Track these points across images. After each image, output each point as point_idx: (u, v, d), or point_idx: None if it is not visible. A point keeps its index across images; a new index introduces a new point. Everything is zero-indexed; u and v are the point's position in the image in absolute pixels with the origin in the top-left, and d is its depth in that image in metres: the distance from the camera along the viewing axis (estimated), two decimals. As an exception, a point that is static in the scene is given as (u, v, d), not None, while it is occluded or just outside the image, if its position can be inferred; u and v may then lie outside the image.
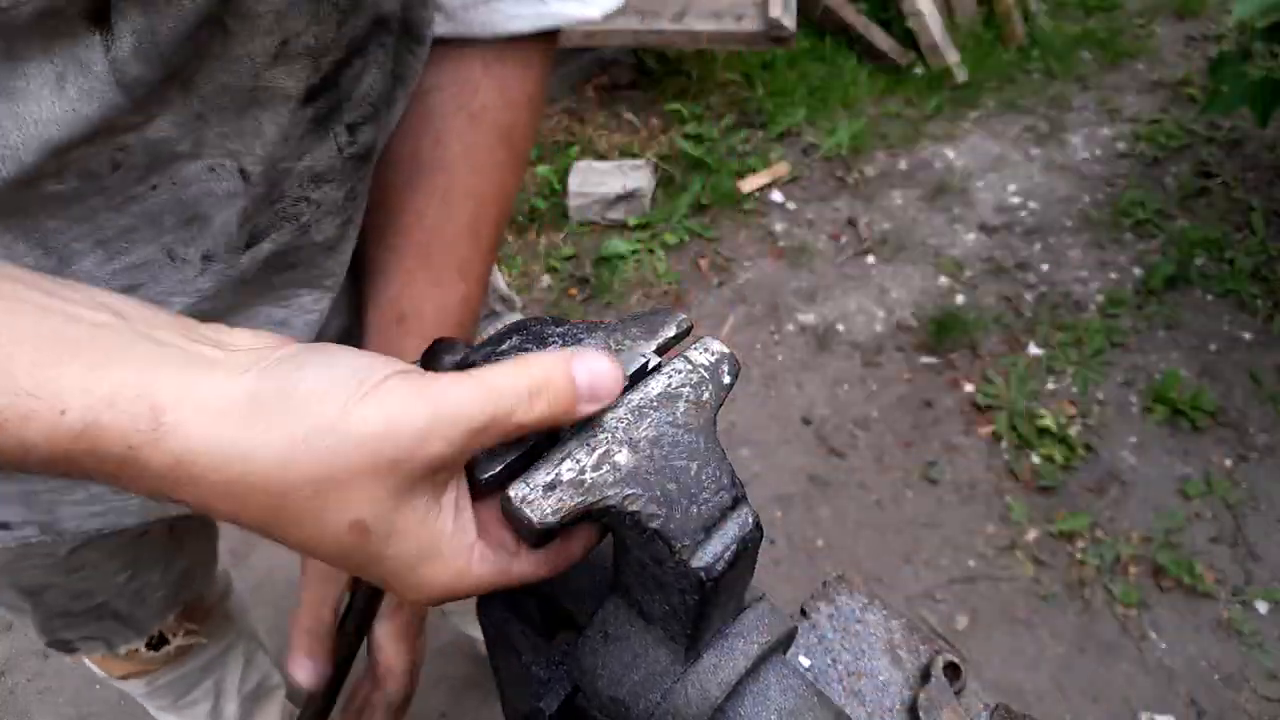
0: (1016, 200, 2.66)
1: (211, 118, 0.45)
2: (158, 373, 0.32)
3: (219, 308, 0.53)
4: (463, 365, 0.41)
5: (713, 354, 0.41)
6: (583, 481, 0.36)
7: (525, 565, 0.39)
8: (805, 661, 0.56)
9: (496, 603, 0.55)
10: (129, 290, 0.48)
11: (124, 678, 1.07)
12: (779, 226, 2.58)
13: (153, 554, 0.89)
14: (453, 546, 0.36)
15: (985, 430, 2.07)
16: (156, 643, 1.00)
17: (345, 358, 0.35)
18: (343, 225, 0.58)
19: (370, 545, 0.34)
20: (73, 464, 0.31)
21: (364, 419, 0.33)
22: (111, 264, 0.47)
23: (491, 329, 0.98)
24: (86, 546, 0.76)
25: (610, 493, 0.36)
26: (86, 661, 1.03)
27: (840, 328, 2.31)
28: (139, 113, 0.42)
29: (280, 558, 1.72)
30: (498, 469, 0.37)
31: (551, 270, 2.46)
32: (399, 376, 0.34)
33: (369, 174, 0.58)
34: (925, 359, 2.23)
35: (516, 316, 0.89)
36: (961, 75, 3.01)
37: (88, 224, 0.45)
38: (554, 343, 0.40)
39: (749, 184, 2.67)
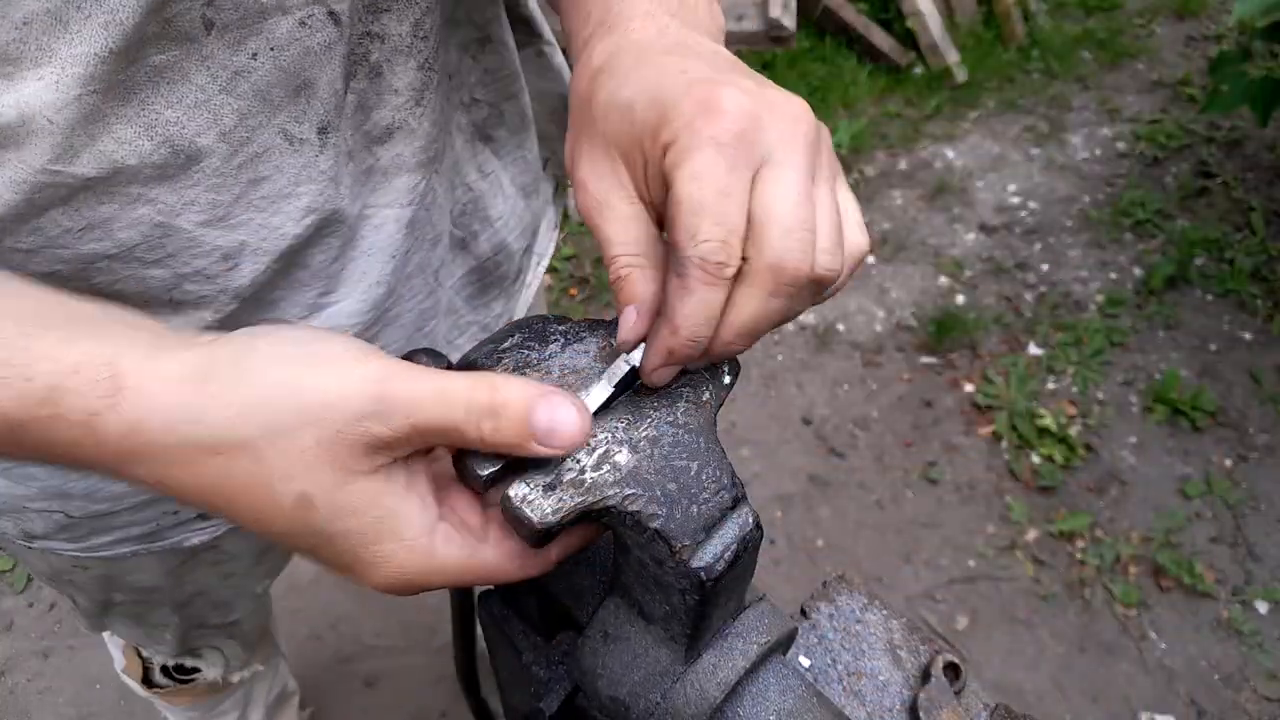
0: (1016, 200, 2.66)
1: None
2: (124, 348, 0.33)
3: (338, 203, 0.52)
4: (462, 365, 0.41)
5: (713, 354, 0.41)
6: (583, 481, 0.36)
7: (494, 554, 0.38)
8: (805, 661, 0.56)
9: (496, 601, 0.55)
10: (256, 184, 0.48)
11: (181, 705, 1.07)
12: (779, 226, 2.58)
13: (272, 560, 0.86)
14: (411, 527, 0.36)
15: (985, 430, 2.07)
16: (224, 681, 1.00)
17: (302, 332, 0.36)
18: (421, 71, 0.55)
19: (317, 521, 0.34)
20: (33, 433, 0.32)
21: (311, 388, 0.34)
22: (236, 157, 0.47)
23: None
24: (237, 540, 0.75)
25: (610, 493, 0.36)
26: (140, 691, 1.04)
27: (840, 328, 2.31)
28: None
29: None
30: (497, 467, 0.37)
31: (552, 270, 2.46)
32: (357, 353, 0.35)
33: (434, 11, 0.55)
34: (925, 359, 2.23)
35: None
36: (961, 75, 3.01)
37: (205, 112, 0.44)
38: (555, 341, 0.40)
39: (749, 184, 2.67)
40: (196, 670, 0.98)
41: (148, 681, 1.02)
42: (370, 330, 0.59)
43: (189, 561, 0.73)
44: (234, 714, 1.20)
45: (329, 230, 0.53)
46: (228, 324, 0.52)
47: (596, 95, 0.41)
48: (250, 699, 1.22)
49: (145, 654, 0.98)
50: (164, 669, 0.99)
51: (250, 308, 0.53)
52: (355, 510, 0.35)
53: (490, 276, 0.72)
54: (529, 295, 0.83)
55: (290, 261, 0.53)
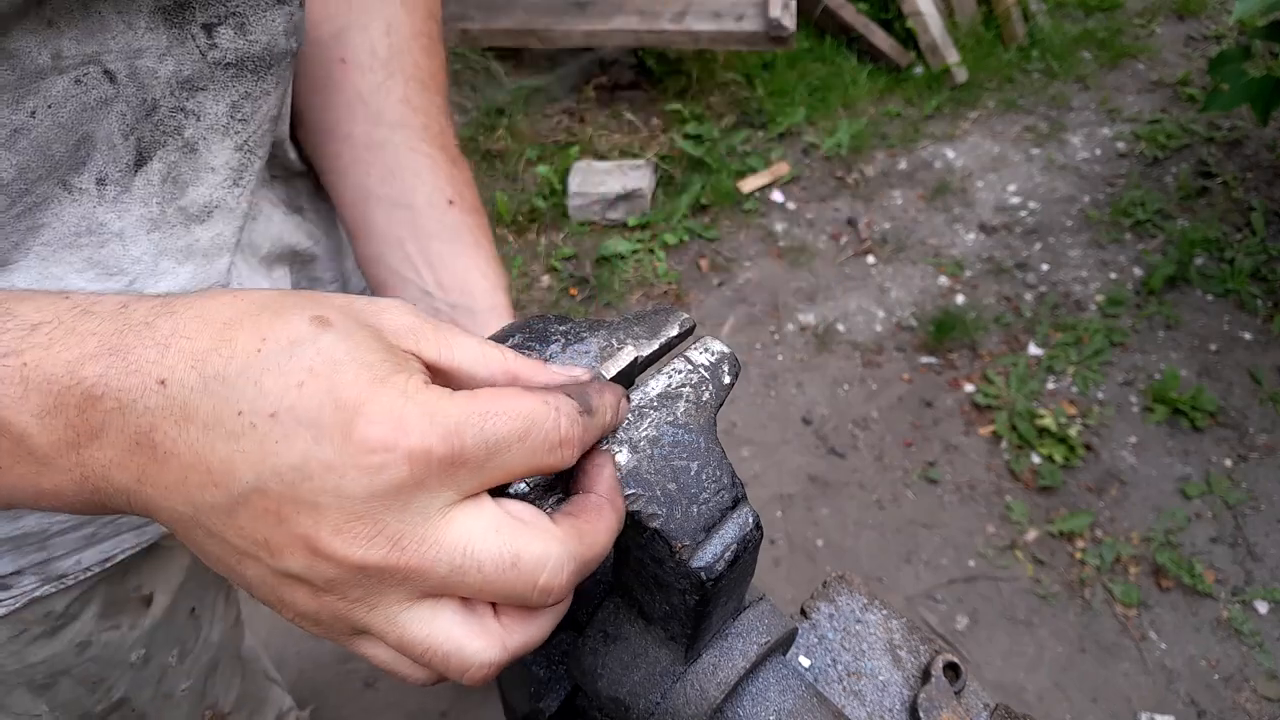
0: (1016, 200, 2.66)
1: (60, 22, 0.46)
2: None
3: (130, 270, 0.53)
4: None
5: (713, 354, 0.41)
6: (583, 481, 0.36)
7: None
8: (805, 661, 0.56)
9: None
10: (35, 231, 0.49)
11: None
12: (779, 226, 2.58)
13: (167, 630, 0.80)
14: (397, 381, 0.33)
15: (985, 430, 2.07)
16: None
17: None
18: (240, 153, 0.57)
19: (327, 339, 0.32)
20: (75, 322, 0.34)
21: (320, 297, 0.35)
22: (15, 207, 0.48)
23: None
24: (89, 605, 0.70)
25: (610, 493, 0.36)
26: None
27: (840, 328, 2.31)
28: None
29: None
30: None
31: (552, 270, 2.46)
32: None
33: (260, 97, 0.57)
34: (925, 359, 2.23)
35: None
36: (961, 75, 3.01)
37: None
38: (556, 341, 0.40)
39: (749, 184, 2.67)
40: None
41: None
42: None
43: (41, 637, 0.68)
44: None
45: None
46: None
47: None
48: None
49: None
50: None
51: None
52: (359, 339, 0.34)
53: None
54: None
55: None
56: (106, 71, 0.49)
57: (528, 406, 0.33)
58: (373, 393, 0.31)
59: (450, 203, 0.68)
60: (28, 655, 0.68)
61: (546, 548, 0.32)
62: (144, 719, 0.82)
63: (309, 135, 0.71)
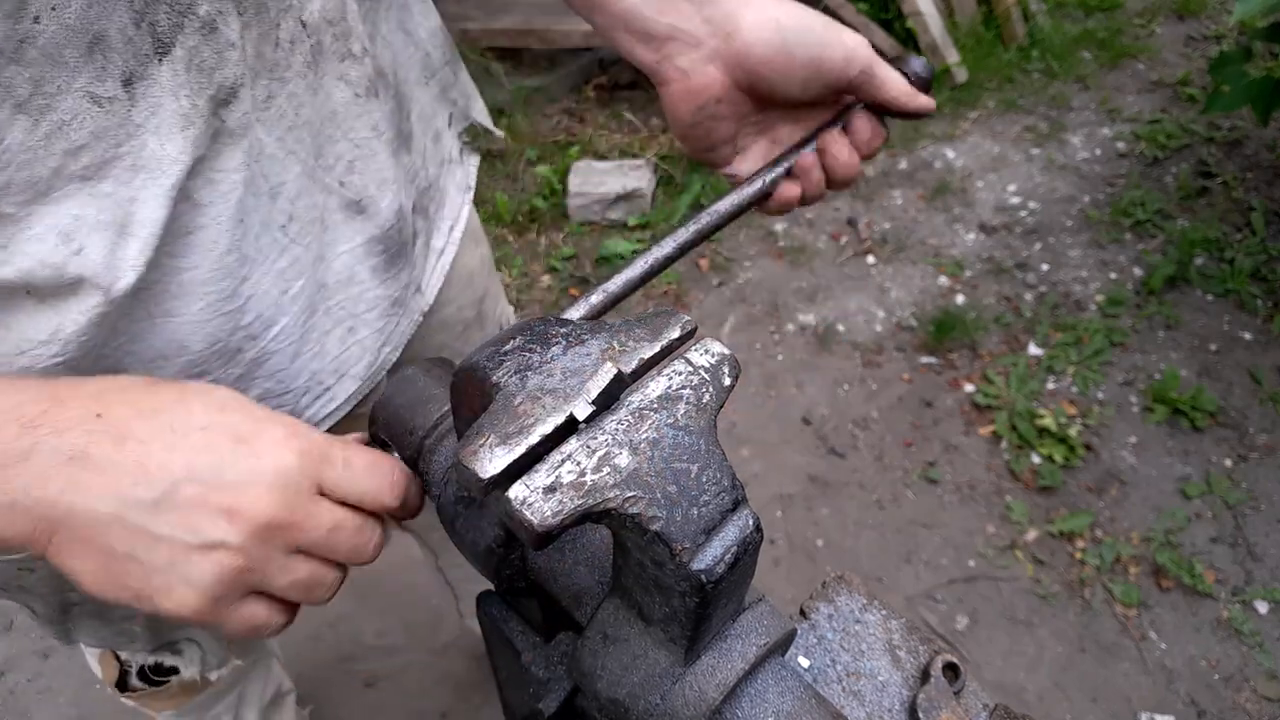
0: (1016, 200, 2.66)
1: None
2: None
3: (170, 156, 0.51)
4: (464, 368, 0.42)
5: (713, 356, 0.41)
6: (583, 484, 0.36)
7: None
8: (805, 662, 0.56)
9: (496, 601, 0.55)
10: (73, 154, 0.48)
11: (162, 709, 1.05)
12: (779, 226, 2.58)
13: None
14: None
15: (985, 430, 2.07)
16: (202, 679, 0.97)
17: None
18: (263, 31, 0.54)
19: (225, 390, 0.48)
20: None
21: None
22: (39, 128, 0.46)
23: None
24: None
25: (611, 495, 0.36)
26: (126, 701, 1.01)
27: (840, 328, 2.31)
28: None
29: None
30: (499, 471, 0.37)
31: (552, 270, 2.46)
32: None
33: None
34: (925, 359, 2.23)
35: None
36: (961, 75, 3.01)
37: None
38: (557, 344, 0.40)
39: (749, 184, 2.67)
40: (174, 671, 0.95)
41: (123, 685, 0.98)
42: (231, 303, 0.58)
43: None
44: (227, 716, 1.18)
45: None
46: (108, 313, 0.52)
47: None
48: (244, 699, 1.19)
49: (124, 657, 0.95)
50: (141, 672, 0.96)
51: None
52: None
53: (394, 244, 0.69)
54: (443, 264, 0.81)
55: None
56: None
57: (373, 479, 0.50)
58: (270, 418, 0.48)
59: None
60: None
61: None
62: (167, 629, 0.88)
63: None
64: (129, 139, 0.49)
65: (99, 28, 0.46)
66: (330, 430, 0.69)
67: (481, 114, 0.86)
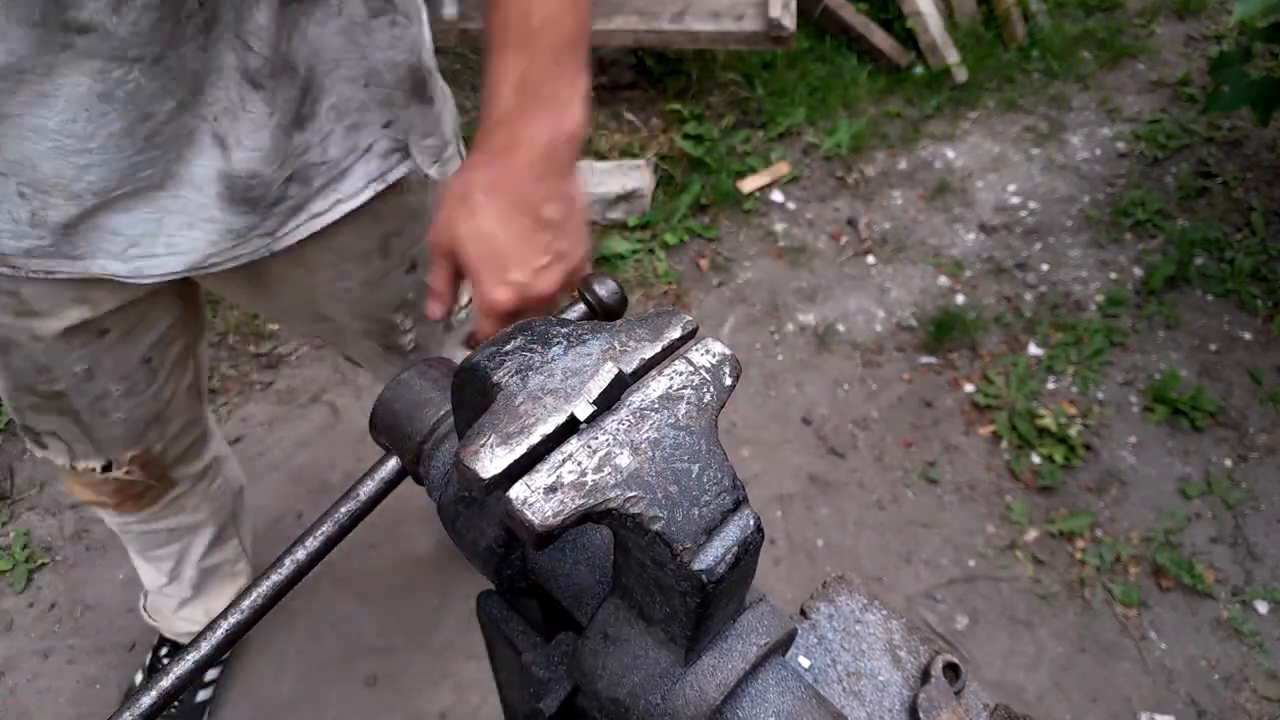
0: (1016, 200, 2.66)
1: None
2: None
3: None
4: (465, 367, 0.42)
5: (714, 355, 0.41)
6: (584, 484, 0.36)
7: None
8: (805, 662, 0.56)
9: (496, 601, 0.55)
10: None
11: (89, 504, 1.21)
12: (779, 226, 2.58)
13: (114, 363, 1.00)
14: None
15: (985, 430, 2.07)
16: (104, 468, 1.12)
17: None
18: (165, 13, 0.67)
19: None
20: None
21: None
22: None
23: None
24: (55, 310, 0.90)
25: (612, 495, 0.36)
26: (64, 484, 1.18)
27: (840, 328, 2.31)
28: None
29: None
30: (500, 471, 0.37)
31: (551, 270, 2.46)
32: None
33: None
34: (925, 359, 2.23)
35: None
36: (961, 75, 3.01)
37: None
38: (558, 344, 0.40)
39: (749, 184, 2.67)
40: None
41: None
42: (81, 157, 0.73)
43: None
44: (168, 563, 1.39)
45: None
46: None
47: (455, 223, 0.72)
48: (185, 555, 1.39)
49: (68, 463, 1.11)
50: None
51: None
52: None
53: (241, 190, 0.82)
54: (313, 225, 0.90)
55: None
56: None
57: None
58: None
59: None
60: None
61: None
62: (79, 418, 1.04)
63: None
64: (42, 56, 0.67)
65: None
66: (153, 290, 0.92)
67: (424, 153, 0.95)
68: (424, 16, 0.92)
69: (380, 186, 0.92)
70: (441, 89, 0.99)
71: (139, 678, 1.65)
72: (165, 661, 1.59)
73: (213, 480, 1.33)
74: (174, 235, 0.83)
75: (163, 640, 1.63)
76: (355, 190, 0.90)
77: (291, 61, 0.78)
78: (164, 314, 1.02)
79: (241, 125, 0.78)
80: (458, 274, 0.75)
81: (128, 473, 1.14)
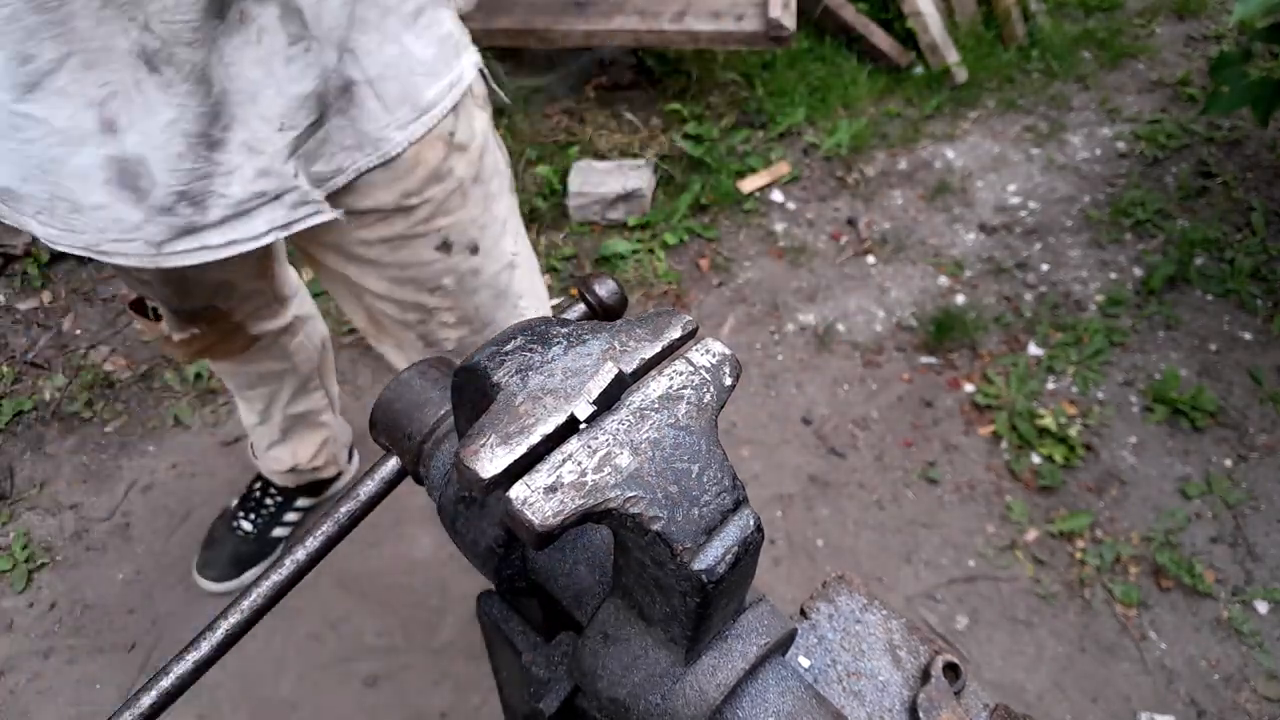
0: (1016, 200, 2.66)
1: None
2: None
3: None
4: (465, 366, 0.42)
5: (714, 355, 0.41)
6: (584, 483, 0.36)
7: None
8: (805, 662, 0.56)
9: (496, 601, 0.55)
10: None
11: (188, 359, 1.34)
12: (779, 226, 2.58)
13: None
14: None
15: (985, 430, 2.07)
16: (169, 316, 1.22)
17: None
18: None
19: None
20: None
21: None
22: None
23: None
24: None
25: (611, 495, 0.36)
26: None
27: (840, 328, 2.31)
28: None
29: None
30: (500, 471, 0.37)
31: (552, 270, 2.46)
32: None
33: None
34: (925, 359, 2.23)
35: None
36: (961, 75, 3.01)
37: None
38: (558, 344, 0.40)
39: (749, 184, 2.67)
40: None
41: (141, 311, 1.22)
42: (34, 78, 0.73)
43: None
44: (260, 404, 1.57)
45: None
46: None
47: None
48: (275, 398, 1.56)
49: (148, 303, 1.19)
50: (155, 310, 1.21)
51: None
52: None
53: (130, 181, 0.81)
54: (203, 255, 0.88)
55: None
56: None
57: None
58: None
59: None
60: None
61: None
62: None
63: None
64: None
65: None
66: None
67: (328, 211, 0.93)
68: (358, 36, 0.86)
69: (283, 233, 0.90)
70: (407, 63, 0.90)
71: (234, 503, 1.85)
72: (258, 495, 1.82)
73: (294, 335, 1.48)
74: (68, 216, 0.84)
75: (258, 476, 1.84)
76: (256, 234, 0.89)
77: (207, 74, 0.76)
78: None
79: (150, 125, 0.77)
80: None
81: (201, 331, 1.26)
